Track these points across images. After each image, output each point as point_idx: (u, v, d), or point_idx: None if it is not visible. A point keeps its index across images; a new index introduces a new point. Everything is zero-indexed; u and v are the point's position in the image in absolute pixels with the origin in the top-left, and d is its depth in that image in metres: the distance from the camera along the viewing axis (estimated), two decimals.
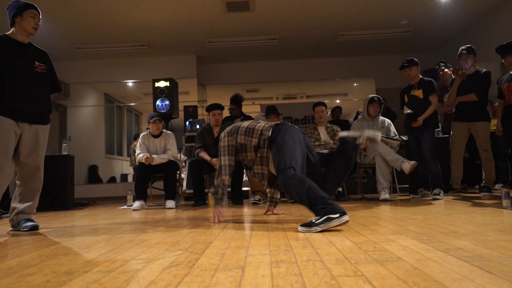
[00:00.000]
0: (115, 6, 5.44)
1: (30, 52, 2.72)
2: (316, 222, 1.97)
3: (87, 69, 7.79)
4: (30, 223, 2.63)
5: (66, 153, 5.04)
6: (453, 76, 4.50)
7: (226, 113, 4.89)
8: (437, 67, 4.83)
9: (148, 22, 6.07)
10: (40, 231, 2.65)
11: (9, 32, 2.67)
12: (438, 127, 4.42)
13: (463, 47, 4.17)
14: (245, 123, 2.71)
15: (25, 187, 2.69)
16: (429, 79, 4.24)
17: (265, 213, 3.02)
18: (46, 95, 2.83)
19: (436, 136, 4.28)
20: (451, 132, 4.34)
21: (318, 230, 1.94)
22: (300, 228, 2.02)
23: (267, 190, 3.00)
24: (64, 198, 4.87)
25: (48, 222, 3.32)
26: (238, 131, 2.66)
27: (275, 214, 2.97)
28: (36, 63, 2.72)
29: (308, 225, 1.99)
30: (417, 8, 5.91)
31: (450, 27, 6.65)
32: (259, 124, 2.66)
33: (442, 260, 1.24)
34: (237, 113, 5.08)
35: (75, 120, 8.28)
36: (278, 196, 3.02)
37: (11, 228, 2.74)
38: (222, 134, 2.72)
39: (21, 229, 2.62)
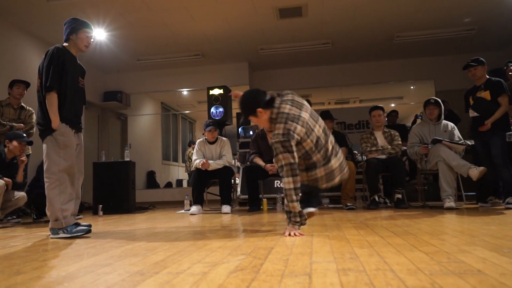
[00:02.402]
0: (171, 18, 5.69)
1: (78, 67, 2.82)
2: None
3: (146, 79, 8.20)
4: (83, 227, 2.59)
5: (128, 159, 5.32)
6: None
7: None
8: (505, 67, 4.48)
9: (202, 32, 6.27)
10: (105, 232, 2.81)
11: (65, 45, 2.75)
12: (510, 131, 4.08)
13: None
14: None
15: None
16: (497, 79, 3.95)
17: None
18: (83, 108, 2.92)
19: (507, 140, 3.96)
20: None
21: None
22: None
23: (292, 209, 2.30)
24: (127, 202, 5.14)
25: (114, 224, 3.51)
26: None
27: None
28: (80, 78, 2.83)
29: None
30: (482, 4, 5.55)
31: None
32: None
33: None
34: None
35: (135, 128, 8.73)
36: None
37: (52, 235, 2.57)
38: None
39: (73, 234, 2.52)
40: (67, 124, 2.67)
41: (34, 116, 4.59)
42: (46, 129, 2.62)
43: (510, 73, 4.35)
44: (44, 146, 2.64)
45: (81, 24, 2.78)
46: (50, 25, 5.54)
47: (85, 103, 2.91)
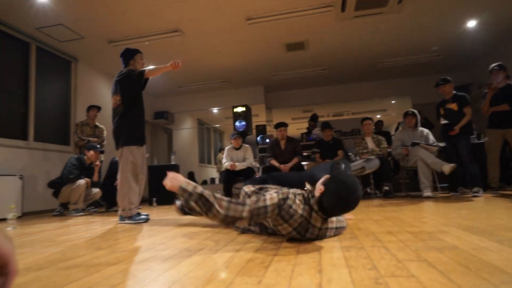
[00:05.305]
0: (204, 55, 5.77)
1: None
2: None
3: (186, 101, 8.32)
4: (144, 216, 2.62)
5: (173, 163, 5.38)
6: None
7: (290, 129, 4.82)
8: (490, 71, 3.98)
9: (228, 64, 6.32)
10: (159, 219, 2.85)
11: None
12: (473, 134, 3.95)
13: (494, 65, 3.71)
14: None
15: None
16: (463, 93, 3.83)
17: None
18: None
19: (472, 142, 3.82)
20: (486, 138, 3.87)
21: None
22: None
23: None
24: (174, 196, 5.17)
25: (165, 213, 3.55)
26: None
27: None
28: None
29: None
30: (446, 35, 5.41)
31: (477, 48, 5.97)
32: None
33: (498, 250, 1.09)
34: (313, 127, 5.30)
35: (178, 139, 8.85)
36: None
37: (120, 221, 2.59)
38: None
39: (136, 221, 2.53)
40: (138, 146, 2.61)
41: (105, 132, 4.70)
42: (121, 141, 2.56)
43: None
44: (119, 155, 2.62)
45: (135, 50, 2.78)
46: (114, 62, 5.70)
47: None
